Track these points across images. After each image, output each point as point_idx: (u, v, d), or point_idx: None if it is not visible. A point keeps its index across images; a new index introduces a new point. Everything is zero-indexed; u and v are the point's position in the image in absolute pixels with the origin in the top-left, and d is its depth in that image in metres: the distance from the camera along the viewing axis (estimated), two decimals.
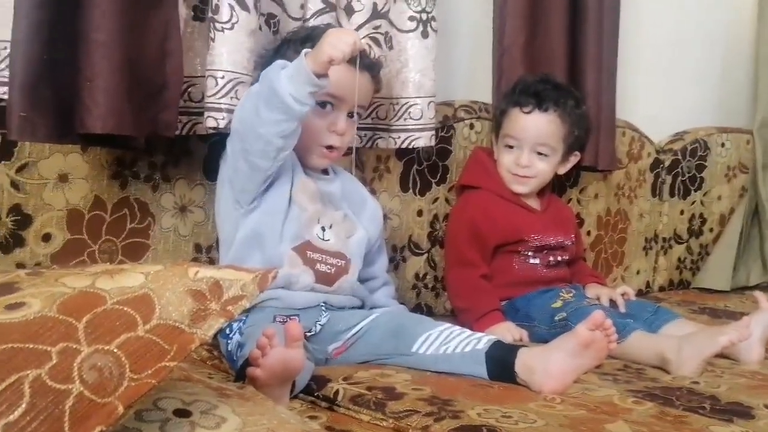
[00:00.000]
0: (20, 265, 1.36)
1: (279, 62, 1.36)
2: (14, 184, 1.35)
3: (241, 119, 1.39)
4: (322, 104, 1.49)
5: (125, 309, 0.75)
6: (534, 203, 1.89)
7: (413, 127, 1.75)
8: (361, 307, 1.54)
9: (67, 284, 0.78)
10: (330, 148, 1.52)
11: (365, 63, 1.53)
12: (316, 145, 1.51)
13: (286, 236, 1.45)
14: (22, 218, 1.36)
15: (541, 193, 1.91)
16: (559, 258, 1.87)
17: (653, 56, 2.46)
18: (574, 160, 1.90)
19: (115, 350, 0.72)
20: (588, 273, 1.98)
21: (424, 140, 1.76)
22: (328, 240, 1.49)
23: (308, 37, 1.48)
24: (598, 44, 2.10)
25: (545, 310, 1.73)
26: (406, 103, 1.74)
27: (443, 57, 1.94)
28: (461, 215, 1.85)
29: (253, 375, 1.12)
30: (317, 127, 1.49)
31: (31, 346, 0.69)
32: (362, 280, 1.57)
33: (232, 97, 1.45)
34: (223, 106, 1.44)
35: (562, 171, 1.90)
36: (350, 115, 1.53)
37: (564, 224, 1.93)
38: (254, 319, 1.38)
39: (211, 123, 1.45)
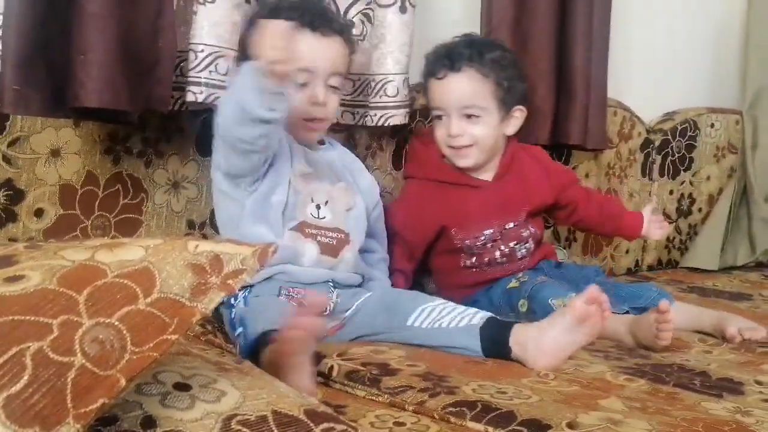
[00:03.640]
0: (13, 241, 1.35)
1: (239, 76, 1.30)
2: (6, 159, 1.33)
3: (223, 126, 1.35)
4: None
5: (126, 282, 0.75)
6: (484, 175, 1.74)
7: (389, 104, 1.72)
8: (361, 284, 1.55)
9: (66, 257, 0.77)
10: (313, 120, 1.51)
11: (334, 27, 1.50)
12: (301, 120, 1.49)
13: (286, 218, 1.45)
14: (14, 193, 1.35)
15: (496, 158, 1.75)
16: (506, 249, 1.73)
17: (645, 36, 2.45)
18: (520, 115, 1.72)
19: (117, 323, 0.72)
20: (623, 221, 1.91)
21: (398, 118, 1.73)
22: (324, 217, 1.49)
23: (276, 10, 1.46)
24: (589, 22, 2.10)
25: (503, 293, 1.67)
26: (382, 80, 1.71)
27: (432, 35, 1.93)
28: (391, 210, 1.72)
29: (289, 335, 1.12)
30: (298, 101, 1.47)
31: (32, 318, 0.69)
32: (362, 251, 1.58)
33: (211, 71, 1.43)
34: (202, 80, 1.43)
35: (510, 131, 1.73)
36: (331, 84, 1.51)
37: (520, 195, 1.75)
38: (260, 290, 1.38)
39: (190, 97, 1.44)
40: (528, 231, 1.77)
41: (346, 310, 1.46)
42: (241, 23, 1.48)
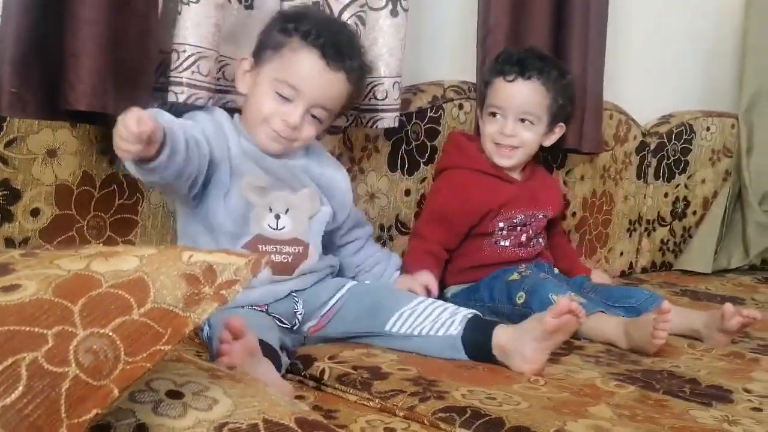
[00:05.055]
0: (8, 240, 1.36)
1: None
2: (3, 159, 1.34)
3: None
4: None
5: (120, 292, 0.76)
6: (515, 174, 1.88)
7: (378, 107, 1.72)
8: (332, 274, 1.55)
9: (62, 266, 0.78)
10: (282, 138, 1.45)
11: (347, 66, 1.46)
12: (264, 124, 1.44)
13: (238, 233, 1.42)
14: (10, 193, 1.35)
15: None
16: (531, 233, 1.86)
17: (641, 39, 2.46)
18: (559, 132, 1.88)
19: (111, 333, 0.73)
20: (578, 263, 2.06)
21: (387, 121, 1.73)
22: (283, 228, 1.45)
23: (297, 17, 1.47)
24: (585, 26, 2.10)
25: (503, 285, 1.73)
26: (371, 83, 1.70)
27: (428, 37, 1.93)
28: (434, 194, 1.86)
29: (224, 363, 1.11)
30: (270, 109, 1.43)
31: (27, 328, 0.70)
32: (346, 244, 1.62)
33: (193, 72, 1.43)
34: (183, 80, 1.43)
35: (547, 143, 1.88)
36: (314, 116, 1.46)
37: (543, 197, 1.91)
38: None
39: (171, 97, 1.43)
40: (545, 226, 1.92)
41: (324, 305, 1.47)
42: (223, 23, 1.48)
